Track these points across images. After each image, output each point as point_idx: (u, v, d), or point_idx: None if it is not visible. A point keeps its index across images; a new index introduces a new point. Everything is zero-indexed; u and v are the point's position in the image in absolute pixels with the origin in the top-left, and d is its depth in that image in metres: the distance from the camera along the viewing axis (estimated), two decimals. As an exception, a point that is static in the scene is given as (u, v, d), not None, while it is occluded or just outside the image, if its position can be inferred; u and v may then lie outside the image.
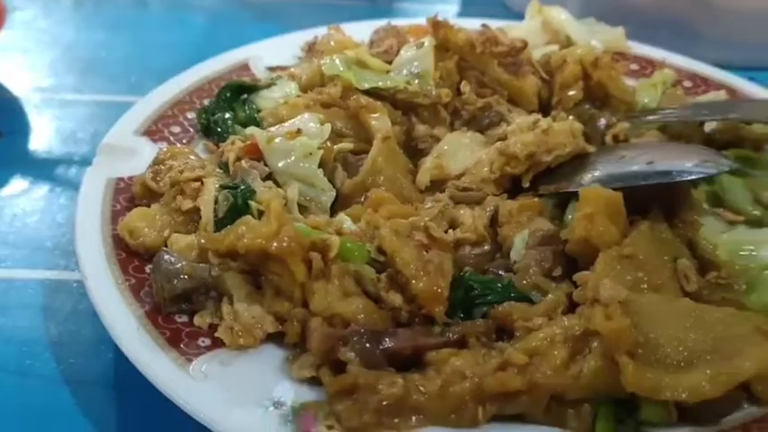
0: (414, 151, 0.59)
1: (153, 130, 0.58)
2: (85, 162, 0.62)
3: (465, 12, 0.94)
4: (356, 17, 0.86)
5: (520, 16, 0.76)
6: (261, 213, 0.47)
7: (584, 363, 0.40)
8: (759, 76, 0.80)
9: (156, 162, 0.53)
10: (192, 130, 0.60)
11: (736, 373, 0.40)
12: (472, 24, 0.73)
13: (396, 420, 0.40)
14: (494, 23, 0.73)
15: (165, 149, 0.54)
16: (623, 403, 0.41)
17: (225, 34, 0.85)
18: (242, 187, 0.49)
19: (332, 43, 0.64)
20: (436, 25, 0.64)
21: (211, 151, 0.58)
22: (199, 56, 0.76)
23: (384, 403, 0.40)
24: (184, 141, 0.58)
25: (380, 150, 0.54)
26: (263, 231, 0.44)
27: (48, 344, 0.48)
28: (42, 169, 0.62)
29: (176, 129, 0.59)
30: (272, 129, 0.55)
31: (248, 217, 0.46)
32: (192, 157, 0.53)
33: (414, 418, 0.40)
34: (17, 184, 0.61)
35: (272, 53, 0.69)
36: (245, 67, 0.67)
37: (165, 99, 0.61)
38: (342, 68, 0.59)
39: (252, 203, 0.48)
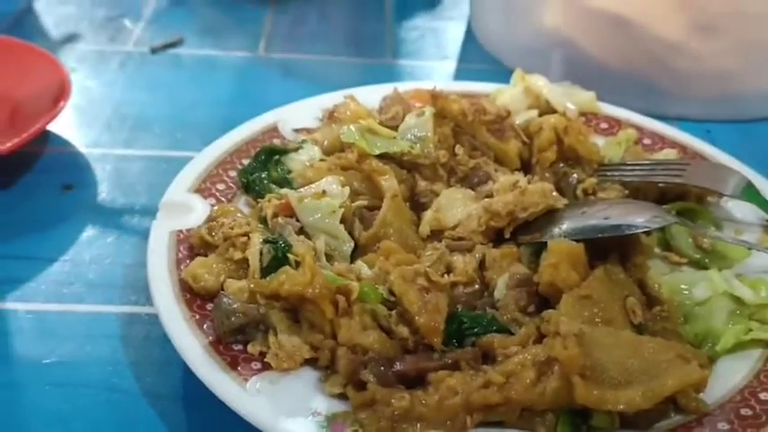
0: (417, 204, 0.71)
1: (202, 188, 0.71)
2: (145, 212, 0.75)
3: (461, 67, 1.06)
4: (365, 73, 0.99)
5: (512, 72, 0.88)
6: (297, 263, 0.60)
7: (547, 382, 0.53)
8: (714, 128, 0.93)
9: (210, 219, 0.65)
10: (234, 187, 0.72)
11: (662, 389, 0.53)
12: (467, 87, 0.87)
13: (404, 426, 0.52)
14: (486, 86, 0.87)
15: (216, 208, 0.67)
16: (579, 413, 0.54)
17: (252, 91, 0.97)
18: (281, 242, 0.62)
19: (348, 113, 0.77)
20: (435, 97, 0.77)
21: (252, 206, 0.70)
22: (231, 112, 0.89)
23: (396, 413, 0.52)
24: (229, 197, 0.71)
25: (389, 207, 0.67)
26: (300, 280, 0.56)
27: (127, 365, 0.61)
28: (109, 218, 0.74)
29: (221, 186, 0.72)
30: (302, 189, 0.68)
31: (287, 267, 0.58)
32: (239, 215, 0.66)
33: (418, 424, 0.53)
34: (90, 231, 0.73)
35: (296, 116, 0.81)
36: (274, 129, 0.79)
37: (210, 160, 0.74)
38: (357, 137, 0.72)
39: (290, 255, 0.60)
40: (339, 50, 1.07)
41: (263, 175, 0.72)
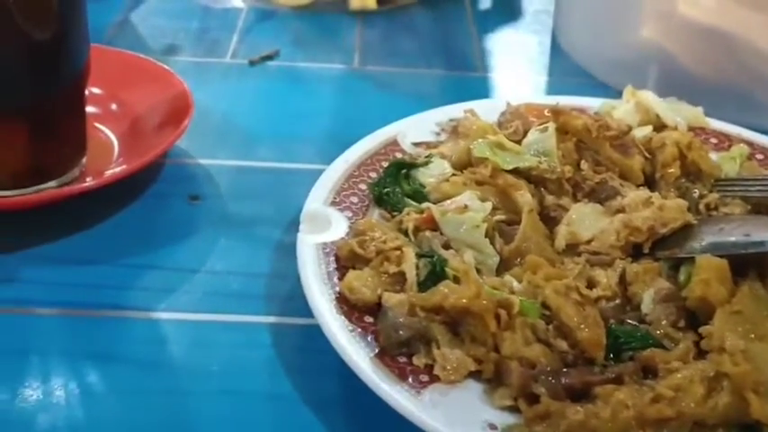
0: (546, 218, 0.73)
1: (337, 201, 0.72)
2: (272, 222, 0.76)
3: (552, 81, 1.08)
4: (457, 86, 1.01)
5: (603, 85, 0.90)
6: (455, 278, 0.61)
7: (718, 397, 0.54)
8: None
9: (358, 233, 0.67)
10: (366, 200, 0.74)
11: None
12: (570, 102, 0.89)
13: (579, 439, 0.54)
14: (583, 100, 0.88)
15: (362, 222, 0.68)
16: (750, 427, 0.55)
17: (351, 103, 0.99)
18: (435, 257, 0.63)
19: (473, 127, 0.78)
20: (557, 112, 0.78)
21: (386, 219, 0.72)
22: (334, 124, 0.92)
23: (570, 426, 0.54)
24: (363, 211, 0.72)
25: (528, 221, 0.69)
26: (465, 293, 0.58)
27: (286, 374, 0.62)
28: (238, 229, 0.76)
29: (354, 199, 0.73)
30: (444, 203, 0.69)
31: (448, 281, 0.60)
32: (387, 229, 0.67)
33: (592, 437, 0.54)
34: (222, 241, 0.74)
35: (414, 130, 0.83)
36: (394, 142, 0.81)
37: (340, 174, 0.75)
38: (488, 152, 0.74)
39: (447, 270, 0.62)
40: (429, 63, 1.09)
41: (397, 189, 0.73)
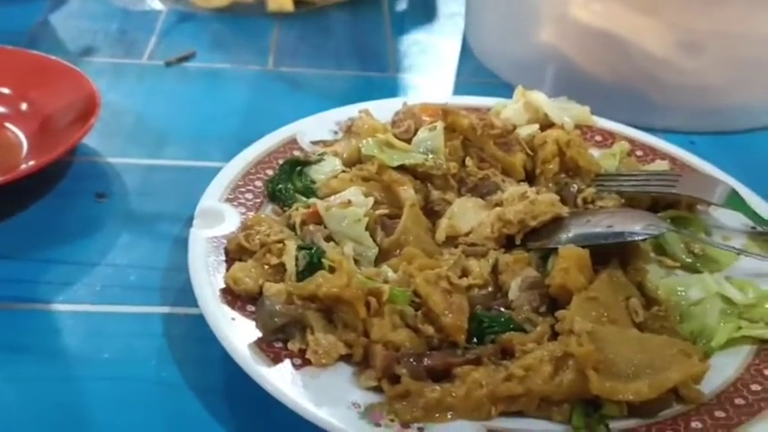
0: (431, 212, 0.77)
1: (232, 198, 0.76)
2: (175, 218, 0.80)
3: (460, 81, 1.12)
4: (370, 87, 1.05)
5: (507, 86, 0.95)
6: (331, 268, 0.65)
7: (564, 375, 0.59)
8: (698, 139, 1.00)
9: (246, 227, 0.71)
10: (261, 196, 0.77)
11: (667, 381, 0.59)
12: (468, 101, 0.93)
13: (436, 415, 0.58)
14: (485, 101, 0.93)
15: (250, 217, 0.72)
16: (591, 402, 0.60)
17: (263, 103, 1.02)
18: (314, 248, 0.67)
19: (365, 127, 0.82)
20: (446, 112, 0.83)
21: (277, 214, 0.76)
22: (246, 124, 0.95)
23: (428, 404, 0.58)
24: (257, 206, 0.76)
25: (409, 215, 0.73)
26: (337, 282, 0.62)
27: (174, 361, 0.66)
28: (142, 225, 0.79)
29: (249, 195, 0.77)
30: (330, 199, 0.73)
31: (323, 271, 0.64)
32: (273, 223, 0.71)
33: (448, 414, 0.58)
34: (125, 237, 0.78)
35: (313, 129, 0.87)
36: (293, 141, 0.85)
37: (237, 171, 0.79)
38: (376, 150, 0.78)
39: (324, 260, 0.66)
40: (343, 65, 1.12)
41: (289, 186, 0.77)
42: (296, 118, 0.88)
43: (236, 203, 0.76)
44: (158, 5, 1.19)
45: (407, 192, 0.75)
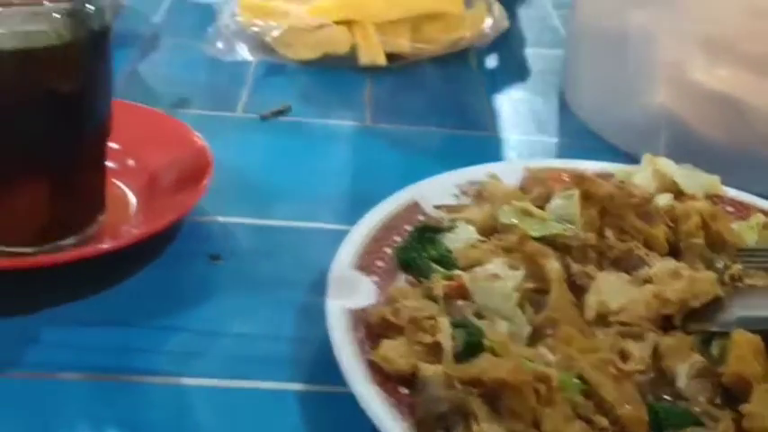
0: (572, 287, 0.72)
1: (363, 265, 0.72)
2: (295, 284, 0.75)
3: (563, 142, 1.08)
4: (470, 145, 1.01)
5: (612, 148, 0.91)
6: (491, 349, 0.60)
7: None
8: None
9: (390, 300, 0.66)
10: (391, 264, 0.73)
11: None
12: (587, 167, 0.89)
13: None
14: (607, 166, 0.88)
15: (395, 288, 0.68)
16: None
17: (365, 160, 0.98)
18: (471, 327, 0.63)
19: (499, 193, 0.78)
20: (581, 179, 0.78)
21: (412, 284, 0.71)
22: (351, 182, 0.91)
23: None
24: (390, 275, 0.72)
25: (557, 290, 0.68)
26: (505, 366, 0.57)
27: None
28: (261, 290, 0.75)
29: (380, 263, 0.73)
30: (476, 271, 0.69)
31: (487, 354, 0.59)
32: (419, 296, 0.67)
33: None
34: (246, 303, 0.73)
35: (433, 192, 0.82)
36: (415, 205, 0.80)
37: (364, 237, 0.75)
38: (515, 219, 0.73)
39: (484, 341, 0.61)
40: (442, 122, 1.08)
41: (423, 254, 0.73)
42: (400, 176, 0.84)
43: (368, 272, 0.71)
44: (247, 56, 1.15)
45: (553, 264, 0.70)
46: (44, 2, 0.66)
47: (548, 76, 1.24)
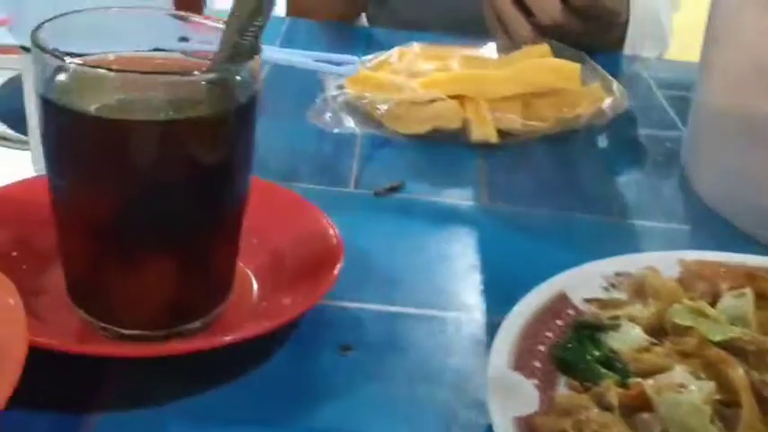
0: (757, 398, 0.64)
1: (521, 366, 0.64)
2: (432, 379, 0.69)
3: (694, 232, 1.01)
4: (599, 232, 0.95)
5: (748, 238, 0.88)
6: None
7: None
8: None
9: (564, 411, 0.59)
10: (548, 365, 0.66)
11: None
12: (745, 260, 0.81)
13: None
14: (756, 259, 0.81)
15: (568, 396, 0.60)
16: None
17: (489, 245, 0.91)
18: (666, 445, 0.55)
19: (663, 289, 0.71)
20: (751, 277, 0.71)
21: (574, 389, 0.64)
22: (480, 269, 0.84)
23: None
24: (549, 377, 0.64)
25: (748, 403, 0.60)
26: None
27: None
28: (397, 387, 0.68)
29: (537, 363, 0.65)
30: (658, 378, 0.61)
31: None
32: (594, 406, 0.59)
33: None
34: (383, 401, 0.66)
35: (581, 284, 0.75)
36: (564, 297, 0.73)
37: (515, 333, 0.68)
38: (691, 320, 0.66)
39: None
40: (559, 203, 1.02)
41: (587, 356, 0.65)
42: (531, 263, 0.80)
43: (527, 373, 0.64)
44: (355, 128, 1.10)
45: (738, 372, 0.62)
46: (195, 72, 0.61)
47: (666, 158, 1.17)
